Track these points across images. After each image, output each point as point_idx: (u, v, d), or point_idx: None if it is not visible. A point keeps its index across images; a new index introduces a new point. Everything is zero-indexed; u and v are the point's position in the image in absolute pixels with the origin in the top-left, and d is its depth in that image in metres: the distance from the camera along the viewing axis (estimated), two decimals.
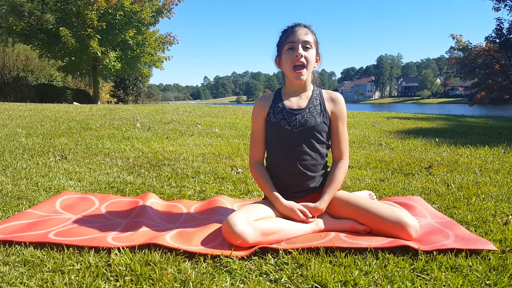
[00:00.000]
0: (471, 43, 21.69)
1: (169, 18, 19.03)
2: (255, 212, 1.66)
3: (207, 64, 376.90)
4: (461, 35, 21.94)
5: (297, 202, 1.78)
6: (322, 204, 1.76)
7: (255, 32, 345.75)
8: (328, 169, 1.91)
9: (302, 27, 1.79)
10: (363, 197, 1.85)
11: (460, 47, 22.06)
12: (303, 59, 1.76)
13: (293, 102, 1.85)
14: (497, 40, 20.49)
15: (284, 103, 1.84)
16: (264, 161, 1.93)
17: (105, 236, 1.65)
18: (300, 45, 1.75)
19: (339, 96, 1.89)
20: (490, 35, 20.87)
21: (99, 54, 16.18)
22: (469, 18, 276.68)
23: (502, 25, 20.27)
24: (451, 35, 22.09)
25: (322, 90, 1.91)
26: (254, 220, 1.59)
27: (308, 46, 1.77)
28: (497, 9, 19.97)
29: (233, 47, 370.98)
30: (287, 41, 1.77)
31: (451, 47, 23.22)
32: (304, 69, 1.78)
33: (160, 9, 18.24)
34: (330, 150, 1.91)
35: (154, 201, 2.17)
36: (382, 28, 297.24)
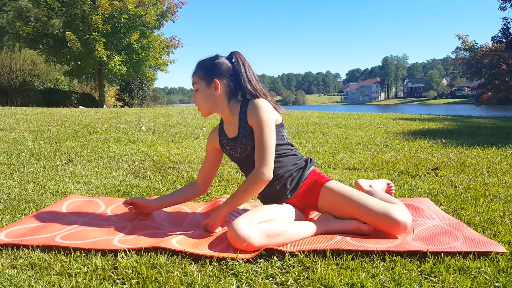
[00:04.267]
0: (477, 43, 21.54)
1: (174, 22, 19.17)
2: (259, 214, 1.66)
3: None
4: (467, 35, 21.79)
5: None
6: (213, 219, 1.76)
7: (258, 34, 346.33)
8: (301, 160, 1.88)
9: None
10: (358, 192, 1.78)
11: (466, 47, 21.91)
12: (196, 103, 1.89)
13: (229, 132, 1.90)
14: (504, 40, 20.35)
15: (225, 133, 1.91)
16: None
17: (111, 238, 1.66)
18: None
19: (253, 105, 1.74)
20: (496, 35, 20.74)
21: (105, 58, 16.29)
22: (475, 18, 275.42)
23: (508, 24, 20.14)
24: (457, 35, 21.95)
25: (249, 103, 1.77)
26: (258, 223, 1.59)
27: (196, 90, 1.87)
28: (503, 9, 19.85)
29: (236, 50, 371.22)
30: None
31: (457, 47, 23.05)
32: (200, 108, 1.88)
33: (164, 13, 18.32)
34: (285, 148, 1.84)
35: None
36: (387, 29, 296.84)
